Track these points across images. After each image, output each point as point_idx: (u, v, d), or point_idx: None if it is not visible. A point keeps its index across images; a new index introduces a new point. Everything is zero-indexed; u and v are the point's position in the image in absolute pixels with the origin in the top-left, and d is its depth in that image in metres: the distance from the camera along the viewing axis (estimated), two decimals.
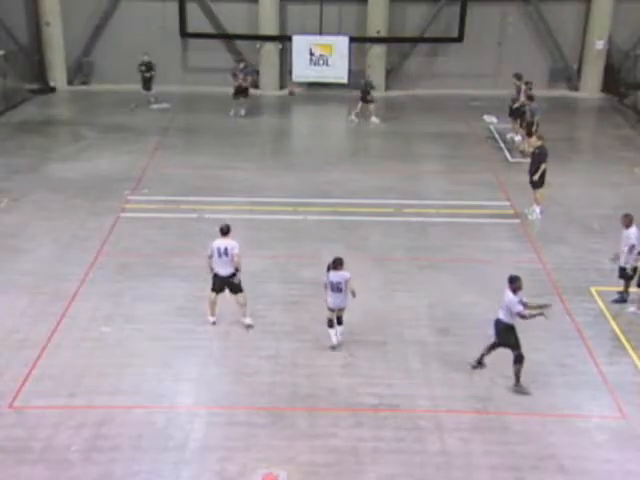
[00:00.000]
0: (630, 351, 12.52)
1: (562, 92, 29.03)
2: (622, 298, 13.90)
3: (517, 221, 17.44)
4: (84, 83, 29.13)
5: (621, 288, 13.91)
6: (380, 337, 12.75)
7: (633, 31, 28.36)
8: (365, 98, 24.88)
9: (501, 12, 28.29)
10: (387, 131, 24.79)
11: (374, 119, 24.99)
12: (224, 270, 12.71)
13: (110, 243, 16.11)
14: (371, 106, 24.92)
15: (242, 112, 25.39)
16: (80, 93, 28.46)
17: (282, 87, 28.71)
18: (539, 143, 17.58)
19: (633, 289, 13.74)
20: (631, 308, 13.63)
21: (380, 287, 14.29)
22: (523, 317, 11.06)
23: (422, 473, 9.88)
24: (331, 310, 12.32)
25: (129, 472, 9.82)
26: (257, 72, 28.63)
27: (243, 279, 14.72)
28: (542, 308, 11.26)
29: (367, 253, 15.82)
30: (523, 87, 22.60)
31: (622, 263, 13.69)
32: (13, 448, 10.18)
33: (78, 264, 15.09)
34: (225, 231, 12.78)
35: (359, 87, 25.14)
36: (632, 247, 13.38)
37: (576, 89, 29.07)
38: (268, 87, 28.67)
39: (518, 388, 11.47)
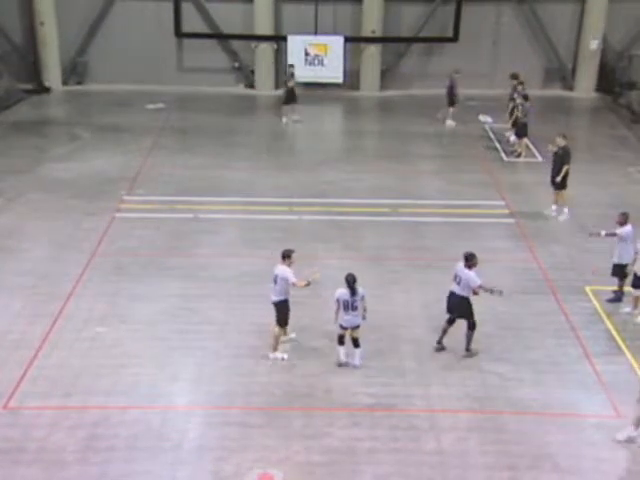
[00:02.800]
0: (625, 350, 12.55)
1: (557, 92, 29.07)
2: (617, 297, 13.93)
3: (512, 220, 17.47)
4: (79, 83, 29.07)
5: (616, 287, 13.94)
6: (376, 336, 12.75)
7: (627, 31, 28.42)
8: (451, 100, 24.62)
9: (496, 12, 28.34)
10: (382, 131, 24.83)
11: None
12: (272, 296, 12.09)
13: (105, 243, 16.10)
14: (451, 109, 24.75)
15: (296, 117, 25.00)
16: (75, 93, 28.39)
17: (277, 87, 28.67)
18: (563, 143, 17.27)
19: (627, 288, 13.76)
20: (626, 308, 13.64)
21: (376, 287, 14.26)
22: (478, 290, 11.80)
23: (418, 473, 9.89)
24: (344, 329, 11.87)
25: (125, 472, 9.82)
26: (252, 72, 28.76)
27: (241, 279, 14.77)
28: (494, 291, 11.82)
29: (363, 253, 15.83)
30: (519, 87, 22.65)
31: (616, 260, 13.74)
32: (8, 449, 10.17)
33: (73, 264, 15.07)
34: (283, 256, 11.96)
35: (449, 90, 24.60)
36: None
37: (571, 89, 29.12)
38: (263, 87, 28.66)
39: (468, 353, 12.24)
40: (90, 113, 26.03)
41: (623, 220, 13.65)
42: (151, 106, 26.53)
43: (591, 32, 28.04)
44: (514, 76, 23.49)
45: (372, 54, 28.42)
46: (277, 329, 12.20)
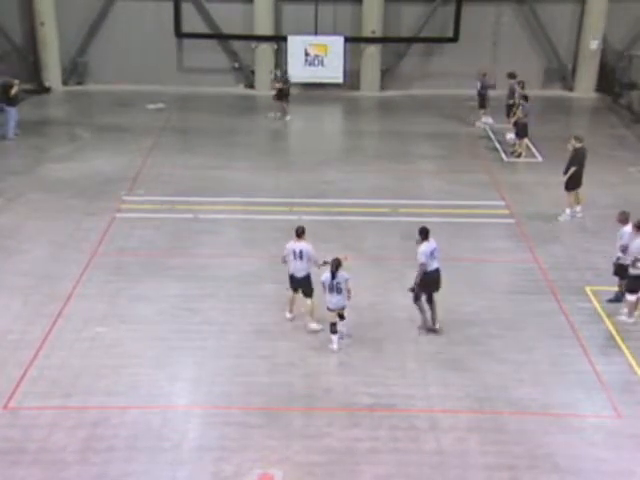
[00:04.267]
0: (625, 350, 12.55)
1: (557, 92, 29.08)
2: (617, 297, 13.89)
3: (512, 221, 17.46)
4: (79, 83, 29.08)
5: (616, 288, 13.91)
6: (375, 337, 12.76)
7: (627, 31, 28.41)
8: (482, 102, 24.53)
9: (496, 12, 28.34)
10: (382, 131, 24.83)
11: (485, 119, 24.90)
12: (299, 272, 12.74)
13: (105, 243, 16.10)
14: (482, 110, 24.69)
15: (287, 117, 25.20)
16: (75, 93, 28.41)
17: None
18: (579, 145, 17.15)
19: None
20: (622, 317, 13.43)
21: (375, 286, 14.30)
22: None
23: (418, 473, 9.89)
24: (332, 310, 12.36)
25: (124, 472, 9.82)
26: (252, 72, 28.78)
27: (241, 279, 14.78)
28: None
29: (363, 253, 15.81)
30: (517, 87, 22.64)
31: (621, 260, 13.68)
32: (8, 449, 10.17)
33: (73, 264, 15.07)
34: (299, 233, 12.69)
35: (482, 90, 24.48)
36: (625, 247, 13.36)
37: (571, 89, 29.12)
38: (263, 87, 28.66)
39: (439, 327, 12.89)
40: (90, 113, 26.05)
41: (624, 219, 13.59)
42: (151, 106, 26.54)
43: (591, 32, 28.03)
44: (511, 75, 23.51)
45: (372, 54, 28.42)
46: (309, 301, 12.87)
